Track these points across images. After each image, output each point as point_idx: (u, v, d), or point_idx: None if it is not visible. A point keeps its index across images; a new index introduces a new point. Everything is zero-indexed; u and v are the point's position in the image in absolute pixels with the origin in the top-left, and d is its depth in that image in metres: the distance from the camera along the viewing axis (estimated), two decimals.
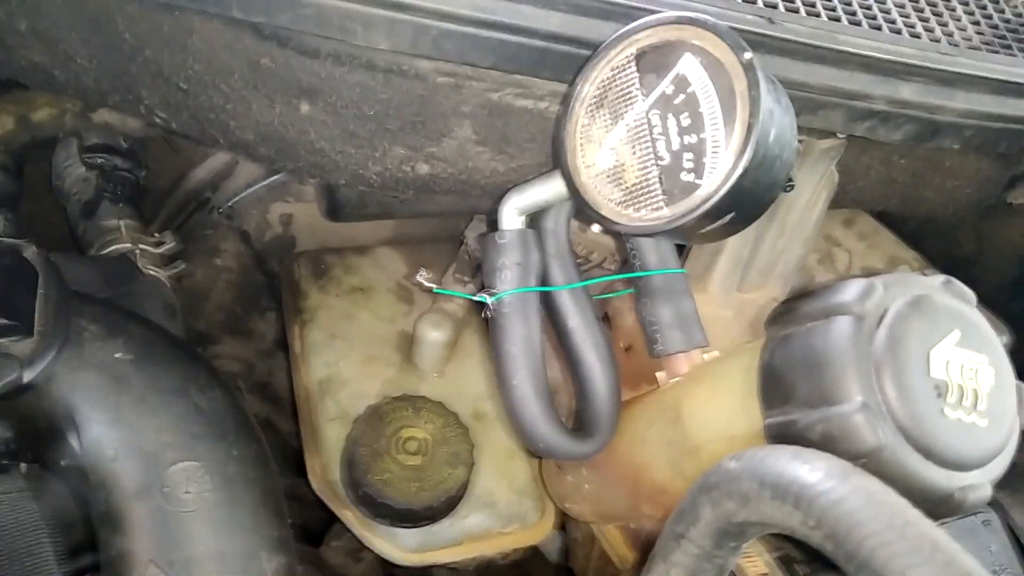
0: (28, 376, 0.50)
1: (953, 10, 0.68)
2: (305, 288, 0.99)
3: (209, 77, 0.61)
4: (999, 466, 0.43)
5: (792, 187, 0.68)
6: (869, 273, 0.85)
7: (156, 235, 0.91)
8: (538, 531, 0.87)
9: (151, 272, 0.86)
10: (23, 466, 0.56)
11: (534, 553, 0.96)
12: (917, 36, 0.62)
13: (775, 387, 0.45)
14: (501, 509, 0.87)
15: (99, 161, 0.96)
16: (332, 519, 0.88)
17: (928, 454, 0.41)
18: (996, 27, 0.67)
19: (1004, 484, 0.68)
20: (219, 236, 1.07)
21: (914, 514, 0.36)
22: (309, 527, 1.01)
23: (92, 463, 0.51)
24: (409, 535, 0.83)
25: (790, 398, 0.44)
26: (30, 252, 0.54)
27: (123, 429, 0.51)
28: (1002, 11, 0.70)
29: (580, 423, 0.62)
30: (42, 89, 0.73)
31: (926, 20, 0.64)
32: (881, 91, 0.60)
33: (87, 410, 0.52)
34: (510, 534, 0.86)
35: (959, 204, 0.78)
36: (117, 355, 0.53)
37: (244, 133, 0.66)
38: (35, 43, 0.60)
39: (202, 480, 0.51)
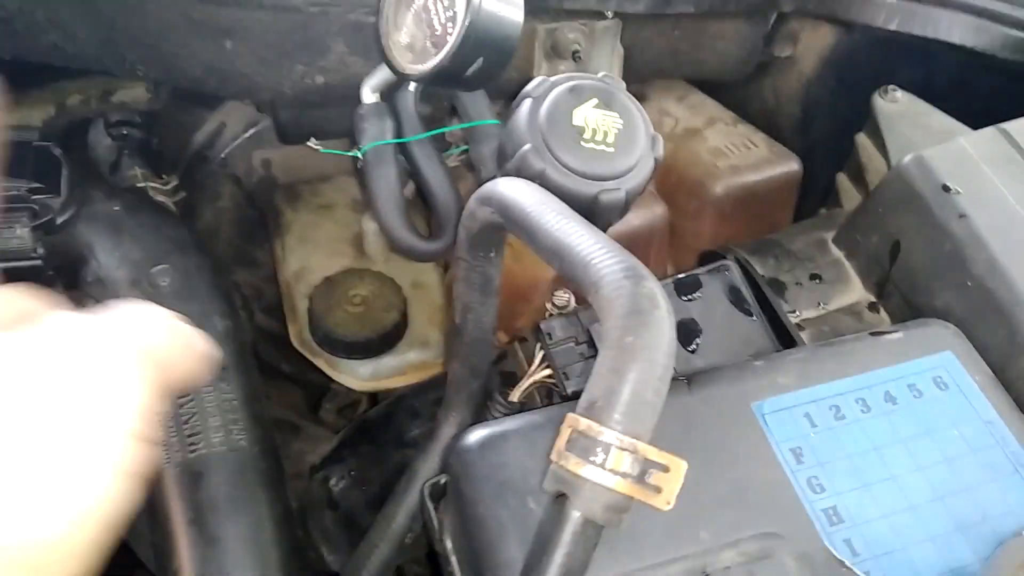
0: (60, 219, 0.80)
1: None
2: (282, 209, 1.29)
3: (164, 32, 0.91)
4: (631, 180, 0.68)
5: (580, 58, 0.94)
6: (690, 132, 1.10)
7: (163, 176, 1.22)
8: None
9: (159, 199, 1.17)
10: None
11: None
12: None
13: (501, 154, 0.72)
14: (433, 347, 1.14)
15: (120, 132, 1.28)
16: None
17: (574, 171, 0.66)
18: None
19: (755, 250, 0.91)
20: (218, 183, 1.38)
21: (547, 199, 0.62)
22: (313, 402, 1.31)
23: (105, 274, 0.81)
24: (363, 367, 1.11)
25: (505, 157, 0.70)
26: (57, 150, 0.84)
27: (122, 251, 0.81)
28: None
29: (434, 232, 0.89)
30: (64, 65, 1.03)
31: None
32: None
33: (99, 242, 0.82)
34: (442, 363, 1.13)
35: (732, 62, 1.02)
36: (115, 208, 0.83)
37: (195, 71, 0.95)
38: (49, 27, 0.90)
39: (172, 275, 0.80)
